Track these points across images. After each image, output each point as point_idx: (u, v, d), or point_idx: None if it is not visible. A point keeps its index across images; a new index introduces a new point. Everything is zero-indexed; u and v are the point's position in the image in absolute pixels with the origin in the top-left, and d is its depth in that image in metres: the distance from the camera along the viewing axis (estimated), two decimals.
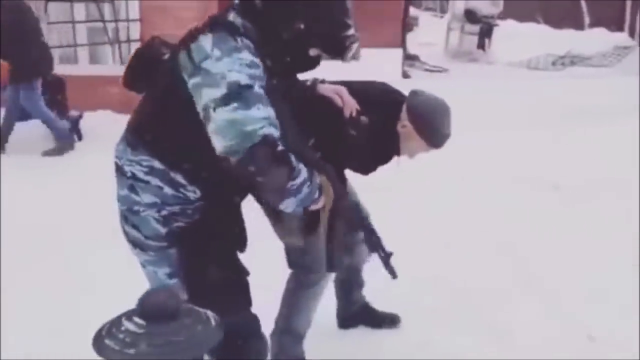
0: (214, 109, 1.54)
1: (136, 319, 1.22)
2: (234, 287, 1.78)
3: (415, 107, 2.16)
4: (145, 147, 1.69)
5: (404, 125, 2.17)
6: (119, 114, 5.07)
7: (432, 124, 2.15)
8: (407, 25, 10.95)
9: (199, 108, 1.56)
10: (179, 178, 1.68)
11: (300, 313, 2.32)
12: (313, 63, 1.73)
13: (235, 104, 1.52)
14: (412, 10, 13.96)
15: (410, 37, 11.60)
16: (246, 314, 1.81)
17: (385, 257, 2.06)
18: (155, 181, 1.69)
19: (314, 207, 1.74)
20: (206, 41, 1.59)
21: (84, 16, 7.27)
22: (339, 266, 2.26)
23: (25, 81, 5.26)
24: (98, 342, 1.22)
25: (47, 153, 5.42)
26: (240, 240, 1.83)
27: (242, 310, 1.79)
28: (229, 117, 1.52)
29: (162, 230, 1.72)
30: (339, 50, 1.68)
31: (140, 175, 1.70)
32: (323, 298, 2.34)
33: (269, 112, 1.56)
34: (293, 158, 1.60)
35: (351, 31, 1.66)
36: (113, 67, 6.99)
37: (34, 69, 5.32)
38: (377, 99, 2.19)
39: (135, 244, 1.76)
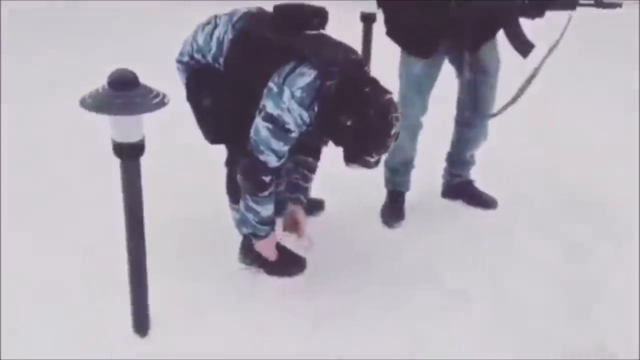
0: (262, 113, 2.02)
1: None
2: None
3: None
4: None
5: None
6: None
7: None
8: None
9: (262, 99, 2.02)
10: None
11: None
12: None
13: (271, 126, 2.01)
14: None
15: None
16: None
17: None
18: None
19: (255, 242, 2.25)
20: (302, 80, 1.98)
21: None
22: None
23: None
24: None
25: None
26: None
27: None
28: (262, 127, 2.02)
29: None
30: (355, 157, 2.02)
31: None
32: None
33: (283, 149, 2.04)
34: (266, 192, 2.11)
35: (375, 157, 2.01)
36: None
37: None
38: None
39: None
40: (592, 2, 2.30)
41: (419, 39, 2.47)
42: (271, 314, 2.16)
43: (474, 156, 2.87)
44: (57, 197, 2.82)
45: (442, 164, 2.94)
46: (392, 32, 2.54)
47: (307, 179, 2.42)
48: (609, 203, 2.93)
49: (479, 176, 2.94)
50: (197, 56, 2.20)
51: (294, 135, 2.05)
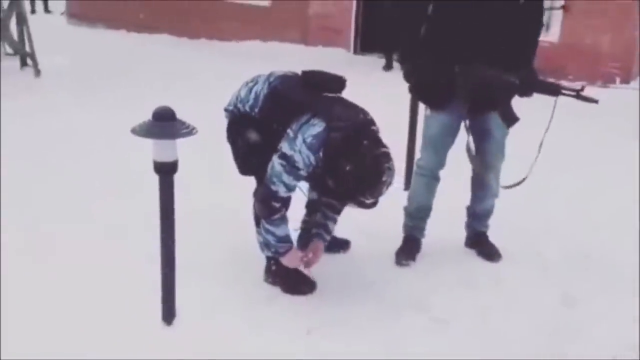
0: (279, 152, 2.51)
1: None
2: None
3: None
4: None
5: None
6: None
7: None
8: None
9: (281, 142, 2.52)
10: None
11: None
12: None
13: (284, 163, 2.48)
14: None
15: None
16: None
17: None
18: None
19: (281, 259, 2.69)
20: (313, 129, 2.46)
21: None
22: None
23: None
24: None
25: None
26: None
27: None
28: (277, 163, 2.50)
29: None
30: (341, 199, 2.55)
31: None
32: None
33: (292, 183, 2.51)
34: (277, 215, 2.56)
35: (370, 200, 2.41)
36: None
37: None
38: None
39: None
40: (574, 93, 2.62)
41: (432, 93, 2.88)
42: (272, 317, 2.58)
43: (487, 210, 3.16)
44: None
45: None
46: (411, 88, 2.97)
47: (329, 219, 2.85)
48: (611, 261, 3.12)
49: (495, 227, 3.22)
50: (239, 105, 2.74)
51: (302, 173, 2.51)
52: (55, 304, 2.58)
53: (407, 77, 2.93)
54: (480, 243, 3.19)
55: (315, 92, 2.62)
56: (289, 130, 2.51)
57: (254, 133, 2.68)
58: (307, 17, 9.64)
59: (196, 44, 10.37)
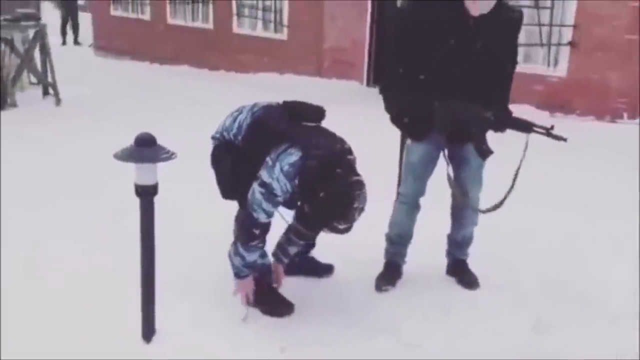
0: (258, 180, 2.63)
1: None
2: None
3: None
4: None
5: None
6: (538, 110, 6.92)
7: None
8: None
9: (260, 169, 2.63)
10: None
11: None
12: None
13: (263, 191, 2.60)
14: None
15: None
16: None
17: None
18: None
19: (237, 281, 2.82)
20: (290, 158, 2.58)
21: (525, 20, 7.75)
22: None
23: None
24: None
25: None
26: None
27: None
28: (257, 191, 2.62)
29: None
30: (316, 224, 2.67)
31: None
32: None
33: (271, 210, 2.64)
34: (254, 242, 2.69)
35: (343, 225, 2.54)
36: (541, 67, 7.82)
37: None
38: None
39: None
40: (544, 132, 2.71)
41: (412, 125, 2.99)
42: (249, 336, 2.69)
43: (466, 238, 3.24)
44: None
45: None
46: (392, 118, 3.05)
47: (292, 243, 2.97)
48: (587, 290, 3.16)
49: (476, 256, 3.29)
50: (224, 133, 2.88)
51: (279, 199, 2.63)
52: (43, 314, 2.74)
53: (389, 109, 3.05)
54: (460, 271, 3.26)
55: (295, 121, 2.75)
56: (267, 159, 2.64)
57: (236, 160, 2.82)
58: (322, 50, 9.87)
59: (215, 75, 10.69)
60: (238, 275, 2.81)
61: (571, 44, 7.56)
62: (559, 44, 7.68)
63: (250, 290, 2.85)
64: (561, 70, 7.71)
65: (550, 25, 7.66)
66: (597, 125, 7.18)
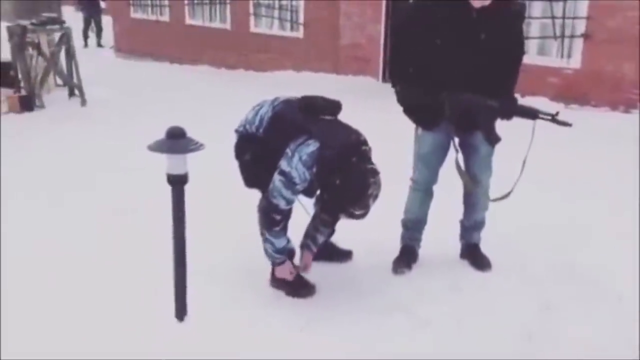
0: (278, 169, 2.81)
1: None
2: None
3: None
4: None
5: None
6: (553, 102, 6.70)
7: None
8: None
9: (281, 160, 2.82)
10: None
11: None
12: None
13: (283, 179, 2.79)
14: None
15: None
16: None
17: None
18: None
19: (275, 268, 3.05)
20: (308, 148, 2.76)
21: (539, 12, 8.01)
22: None
23: None
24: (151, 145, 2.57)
25: None
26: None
27: None
28: (277, 179, 2.81)
29: None
30: (334, 211, 2.88)
31: None
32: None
33: (290, 197, 2.82)
34: (277, 227, 2.88)
35: (359, 212, 2.71)
36: (555, 59, 7.94)
37: None
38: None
39: None
40: (549, 117, 2.86)
41: (422, 115, 3.15)
42: (273, 316, 2.88)
43: (478, 223, 3.40)
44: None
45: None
46: (404, 109, 3.21)
47: (319, 232, 3.16)
48: (594, 272, 3.31)
49: (487, 240, 3.45)
50: (247, 126, 3.07)
51: (298, 187, 2.82)
52: (76, 301, 2.96)
53: (400, 100, 3.21)
54: (472, 254, 3.42)
55: (313, 115, 2.93)
56: (287, 150, 2.83)
57: (258, 151, 3.01)
58: (338, 47, 10.04)
59: (234, 74, 10.91)
60: (274, 263, 3.01)
61: (585, 35, 7.65)
62: (572, 36, 7.78)
63: (291, 271, 3.04)
64: (575, 62, 7.81)
65: (564, 17, 7.77)
66: (612, 115, 7.28)
